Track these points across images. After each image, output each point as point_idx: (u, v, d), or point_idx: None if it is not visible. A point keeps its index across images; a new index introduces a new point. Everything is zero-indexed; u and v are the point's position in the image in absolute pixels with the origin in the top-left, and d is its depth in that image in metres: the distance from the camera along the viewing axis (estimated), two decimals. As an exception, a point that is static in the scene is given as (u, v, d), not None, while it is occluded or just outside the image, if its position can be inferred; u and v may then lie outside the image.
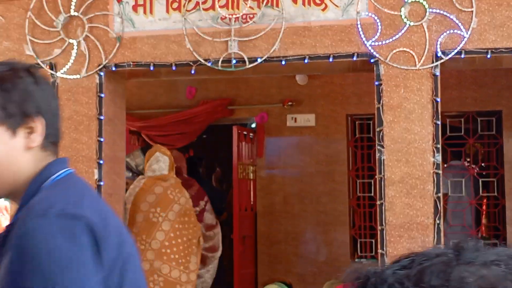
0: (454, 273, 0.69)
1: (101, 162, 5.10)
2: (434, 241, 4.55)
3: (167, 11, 5.11)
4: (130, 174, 6.69)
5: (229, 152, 7.86)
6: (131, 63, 5.12)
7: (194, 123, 8.43)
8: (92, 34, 5.17)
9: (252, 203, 8.18)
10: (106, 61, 5.13)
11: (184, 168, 6.79)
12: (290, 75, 7.62)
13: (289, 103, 7.99)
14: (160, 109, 8.49)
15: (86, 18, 5.17)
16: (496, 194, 7.58)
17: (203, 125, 8.55)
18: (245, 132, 8.03)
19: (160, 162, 5.64)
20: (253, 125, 8.37)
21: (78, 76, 5.16)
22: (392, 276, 0.72)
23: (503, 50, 4.59)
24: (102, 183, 5.09)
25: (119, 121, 5.44)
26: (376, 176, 4.76)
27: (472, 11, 4.62)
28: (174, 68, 5.07)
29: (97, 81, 5.15)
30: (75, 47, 5.17)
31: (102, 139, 5.11)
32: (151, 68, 5.10)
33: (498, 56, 4.66)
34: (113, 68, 5.15)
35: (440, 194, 4.62)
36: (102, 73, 5.16)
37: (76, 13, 5.18)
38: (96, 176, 5.08)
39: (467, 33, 4.62)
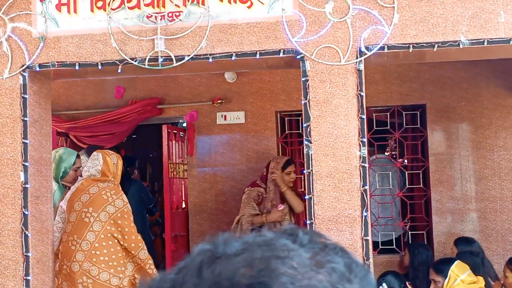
0: (204, 272, 0.77)
1: (27, 164, 4.99)
2: (362, 233, 4.64)
3: (92, 10, 5.05)
4: None
5: (160, 151, 7.83)
6: (56, 63, 5.04)
7: (123, 123, 8.35)
8: (14, 34, 5.07)
9: (183, 201, 8.16)
10: (30, 61, 5.03)
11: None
12: (219, 73, 7.64)
13: (219, 101, 8.00)
14: (88, 110, 8.39)
15: (8, 18, 5.05)
16: (422, 185, 7.78)
17: (132, 125, 8.48)
18: (175, 131, 8.01)
19: (95, 160, 5.54)
20: (184, 124, 8.35)
21: (0, 78, 5.05)
22: (161, 282, 0.80)
23: (424, 44, 4.71)
24: (28, 186, 4.99)
25: (45, 123, 5.34)
26: (305, 171, 4.82)
27: (393, 7, 4.72)
28: (100, 67, 5.01)
29: (21, 82, 5.04)
30: (-3, 48, 5.05)
31: (27, 141, 5.01)
32: (77, 67, 5.02)
33: (420, 50, 4.78)
34: (37, 69, 5.05)
35: (367, 187, 4.71)
36: (25, 74, 5.05)
37: (-3, 13, 5.06)
38: (22, 179, 4.98)
39: (389, 29, 4.72)
